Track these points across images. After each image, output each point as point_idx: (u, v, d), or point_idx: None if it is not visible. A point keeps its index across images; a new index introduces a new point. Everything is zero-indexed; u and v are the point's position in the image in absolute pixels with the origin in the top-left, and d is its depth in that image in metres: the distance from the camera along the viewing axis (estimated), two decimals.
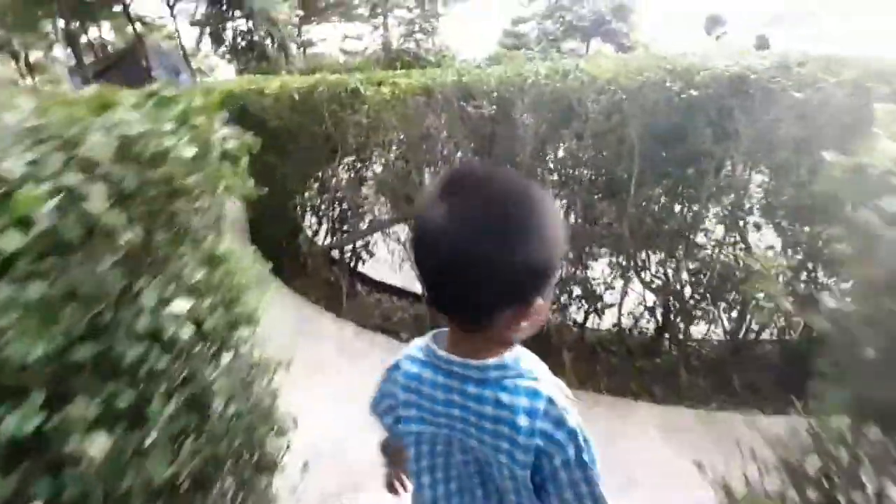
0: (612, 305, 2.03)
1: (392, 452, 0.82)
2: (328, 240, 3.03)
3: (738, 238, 1.77)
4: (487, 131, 1.97)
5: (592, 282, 2.01)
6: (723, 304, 1.87)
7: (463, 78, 1.94)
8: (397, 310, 2.77)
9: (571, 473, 0.58)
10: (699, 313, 1.90)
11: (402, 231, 2.51)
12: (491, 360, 0.58)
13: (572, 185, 1.91)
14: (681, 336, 1.97)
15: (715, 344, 2.06)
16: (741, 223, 1.74)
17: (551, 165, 1.98)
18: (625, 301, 1.99)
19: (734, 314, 1.88)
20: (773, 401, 1.66)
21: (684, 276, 1.88)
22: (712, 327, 1.98)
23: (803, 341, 1.75)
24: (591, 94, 1.67)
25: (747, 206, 1.73)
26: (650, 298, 2.01)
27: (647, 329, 2.07)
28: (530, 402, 0.57)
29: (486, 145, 2.01)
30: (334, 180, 2.75)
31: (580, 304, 2.05)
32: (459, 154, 2.05)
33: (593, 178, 1.91)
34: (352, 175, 2.68)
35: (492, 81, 1.84)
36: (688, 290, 1.90)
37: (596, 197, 1.88)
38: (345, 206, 2.82)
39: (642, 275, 1.96)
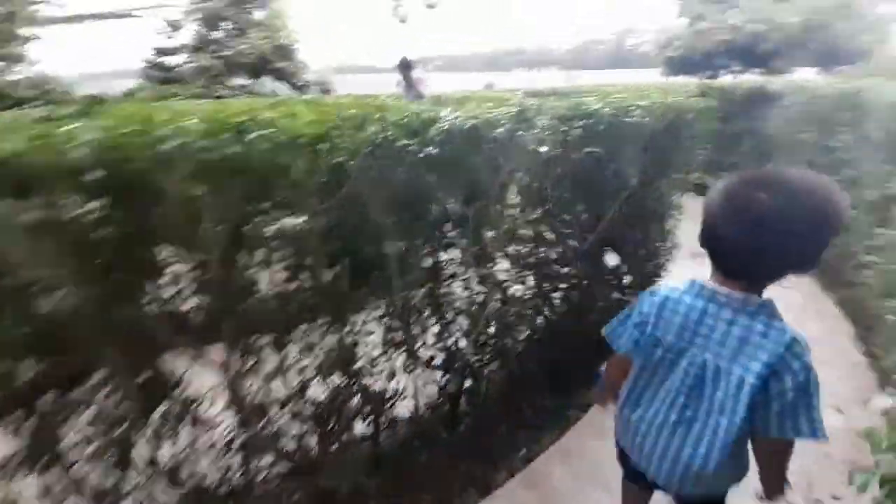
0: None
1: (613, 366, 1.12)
2: None
3: None
4: None
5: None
6: None
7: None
8: None
9: (797, 398, 0.80)
10: None
11: None
12: (752, 299, 0.85)
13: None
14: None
15: None
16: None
17: None
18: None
19: None
20: None
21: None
22: None
23: None
24: (293, 159, 1.08)
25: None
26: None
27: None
28: (781, 336, 0.81)
29: None
30: None
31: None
32: None
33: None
34: None
35: (88, 148, 0.97)
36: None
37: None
38: None
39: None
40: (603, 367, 1.19)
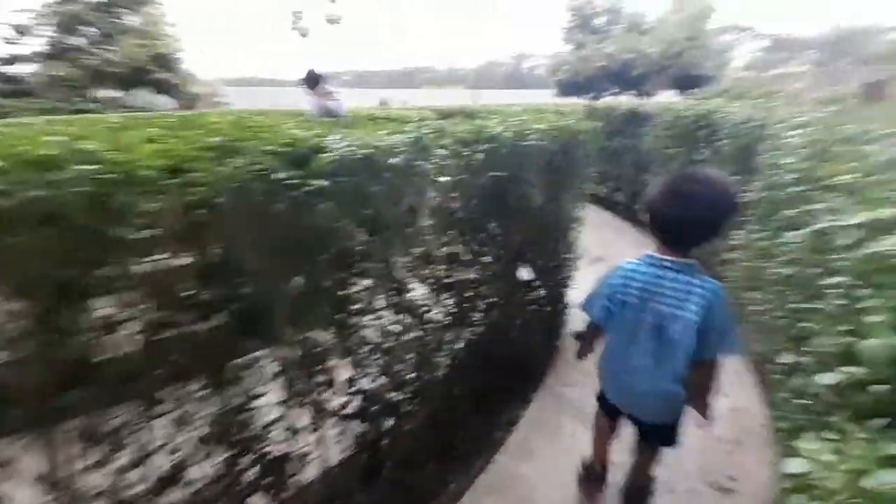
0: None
1: (589, 330, 1.47)
2: None
3: None
4: None
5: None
6: None
7: None
8: None
9: (724, 325, 1.20)
10: None
11: None
12: (687, 262, 1.24)
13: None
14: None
15: None
16: None
17: None
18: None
19: None
20: None
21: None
22: None
23: None
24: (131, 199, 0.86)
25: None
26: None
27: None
28: (711, 285, 1.21)
29: None
30: None
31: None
32: None
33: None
34: None
35: None
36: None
37: None
38: None
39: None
40: (577, 330, 1.75)
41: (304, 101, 4.36)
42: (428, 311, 1.68)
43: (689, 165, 3.44)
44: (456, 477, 1.82)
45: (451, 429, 1.92)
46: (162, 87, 12.47)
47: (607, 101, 11.06)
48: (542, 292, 2.34)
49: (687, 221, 1.19)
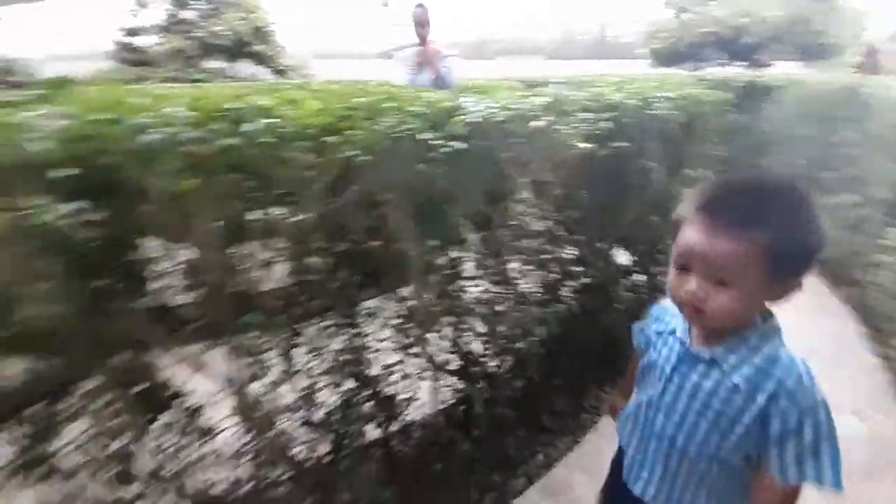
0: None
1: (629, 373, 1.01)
2: None
3: None
4: None
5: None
6: None
7: None
8: None
9: (804, 417, 0.68)
10: None
11: None
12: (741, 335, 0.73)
13: None
14: None
15: None
16: None
17: None
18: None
19: None
20: None
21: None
22: None
23: None
24: (299, 153, 0.92)
25: None
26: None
27: None
28: (775, 363, 0.71)
29: None
30: None
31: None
32: None
33: None
34: None
35: (55, 140, 0.77)
36: None
37: None
38: None
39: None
40: None
41: (392, 72, 4.12)
42: (525, 286, 1.68)
43: (825, 149, 3.02)
44: (544, 449, 1.85)
45: (540, 403, 1.94)
46: (260, 59, 13.28)
47: (717, 71, 9.97)
48: (642, 278, 2.23)
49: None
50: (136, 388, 0.93)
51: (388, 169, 0.99)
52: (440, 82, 3.32)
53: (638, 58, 16.06)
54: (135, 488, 0.95)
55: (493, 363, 1.67)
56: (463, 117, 1.00)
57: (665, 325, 0.84)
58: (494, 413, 1.70)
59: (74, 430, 0.89)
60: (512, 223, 1.49)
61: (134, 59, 12.21)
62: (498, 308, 1.59)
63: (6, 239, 0.60)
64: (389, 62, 3.94)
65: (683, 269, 0.70)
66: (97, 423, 0.89)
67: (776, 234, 0.63)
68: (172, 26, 12.48)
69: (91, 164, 0.71)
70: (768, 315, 0.73)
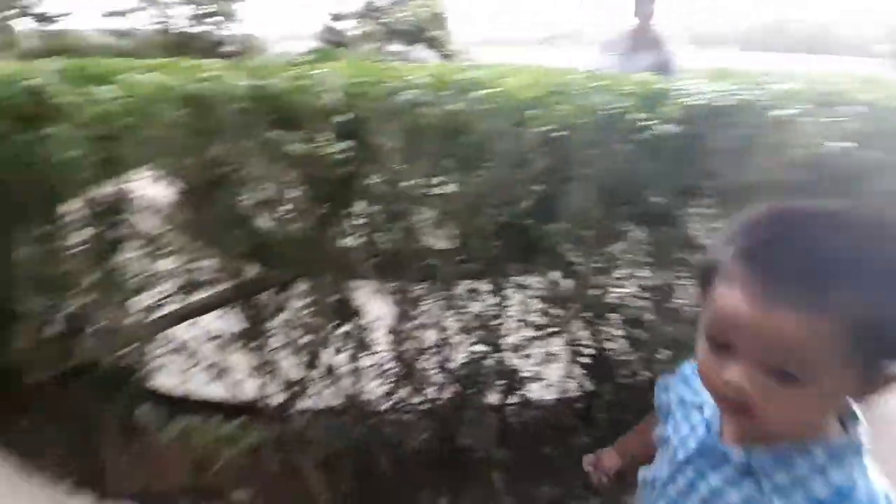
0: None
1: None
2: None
3: None
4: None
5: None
6: None
7: (269, 82, 1.02)
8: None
9: None
10: None
11: None
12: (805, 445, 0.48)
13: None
14: None
15: None
16: None
17: None
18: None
19: None
20: None
21: None
22: None
23: None
24: (508, 123, 0.99)
25: None
26: None
27: None
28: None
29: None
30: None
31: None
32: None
33: None
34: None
35: (337, 93, 0.98)
36: None
37: None
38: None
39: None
40: None
41: (599, 60, 3.44)
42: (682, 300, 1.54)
43: None
44: None
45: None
46: (433, 45, 14.22)
47: None
48: None
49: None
50: (333, 298, 1.15)
51: (585, 146, 1.00)
52: (662, 67, 2.68)
53: (874, 56, 12.78)
54: (314, 374, 1.21)
55: (625, 371, 1.59)
56: (681, 101, 0.94)
57: (693, 393, 0.59)
58: (616, 418, 1.63)
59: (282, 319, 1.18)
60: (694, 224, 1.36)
61: (334, 40, 14.17)
62: (647, 316, 1.49)
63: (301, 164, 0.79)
64: (571, 49, 3.59)
65: (723, 346, 0.43)
66: (302, 318, 1.16)
67: (872, 301, 0.38)
68: (369, 12, 14.08)
69: (355, 115, 0.88)
70: (851, 418, 0.46)
